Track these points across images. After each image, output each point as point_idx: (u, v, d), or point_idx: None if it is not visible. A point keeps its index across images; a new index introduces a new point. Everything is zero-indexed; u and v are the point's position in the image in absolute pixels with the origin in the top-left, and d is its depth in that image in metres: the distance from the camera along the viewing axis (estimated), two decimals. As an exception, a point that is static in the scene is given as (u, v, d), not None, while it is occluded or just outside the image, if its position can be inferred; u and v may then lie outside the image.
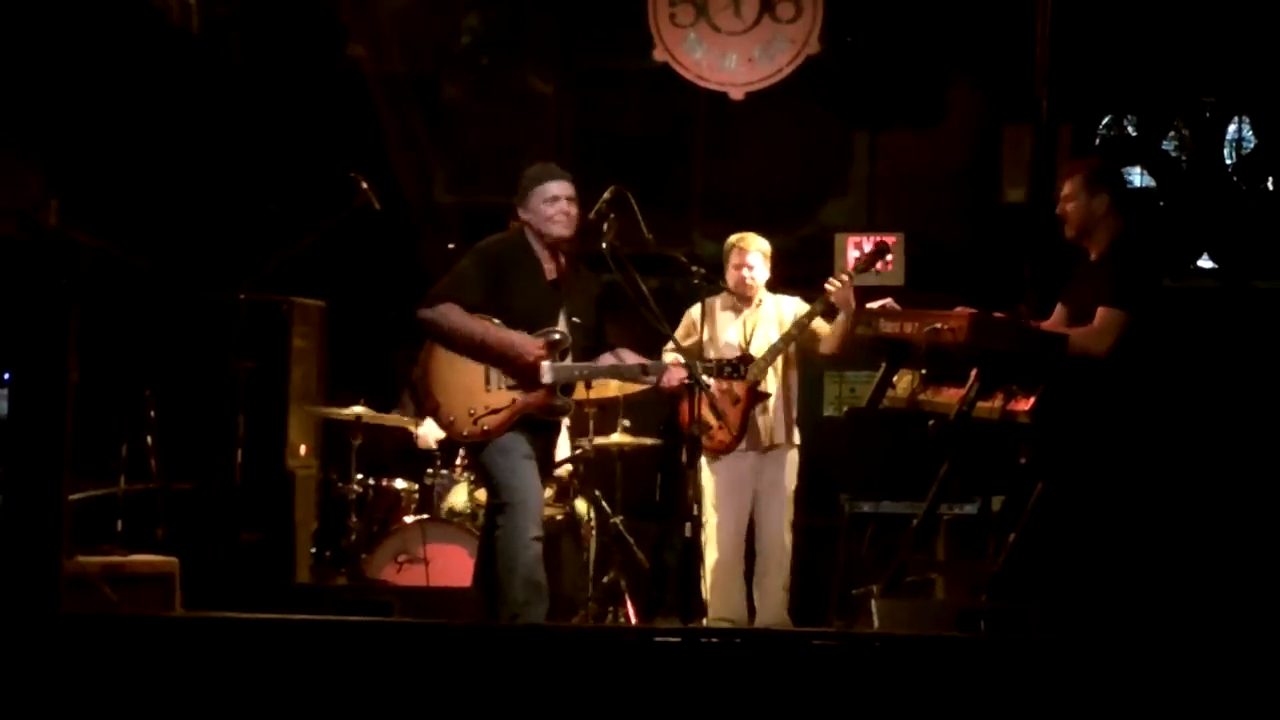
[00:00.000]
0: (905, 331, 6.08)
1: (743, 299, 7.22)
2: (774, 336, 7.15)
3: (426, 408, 6.23)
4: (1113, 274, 5.83)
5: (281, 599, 5.37)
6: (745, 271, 7.17)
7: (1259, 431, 8.11)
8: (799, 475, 7.23)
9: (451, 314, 6.04)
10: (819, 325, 7.09)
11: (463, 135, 9.64)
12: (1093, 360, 5.73)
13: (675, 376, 6.14)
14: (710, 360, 6.35)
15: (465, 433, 6.07)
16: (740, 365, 6.32)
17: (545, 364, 6.05)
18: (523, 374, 6.04)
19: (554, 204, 6.10)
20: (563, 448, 7.53)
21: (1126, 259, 5.87)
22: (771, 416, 7.14)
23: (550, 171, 6.21)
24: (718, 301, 7.20)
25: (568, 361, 6.12)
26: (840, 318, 6.94)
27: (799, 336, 7.10)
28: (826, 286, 6.91)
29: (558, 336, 6.09)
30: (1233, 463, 7.75)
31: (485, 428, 6.02)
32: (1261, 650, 4.37)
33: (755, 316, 7.21)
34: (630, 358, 6.29)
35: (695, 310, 6.91)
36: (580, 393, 6.44)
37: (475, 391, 6.04)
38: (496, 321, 6.05)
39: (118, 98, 8.19)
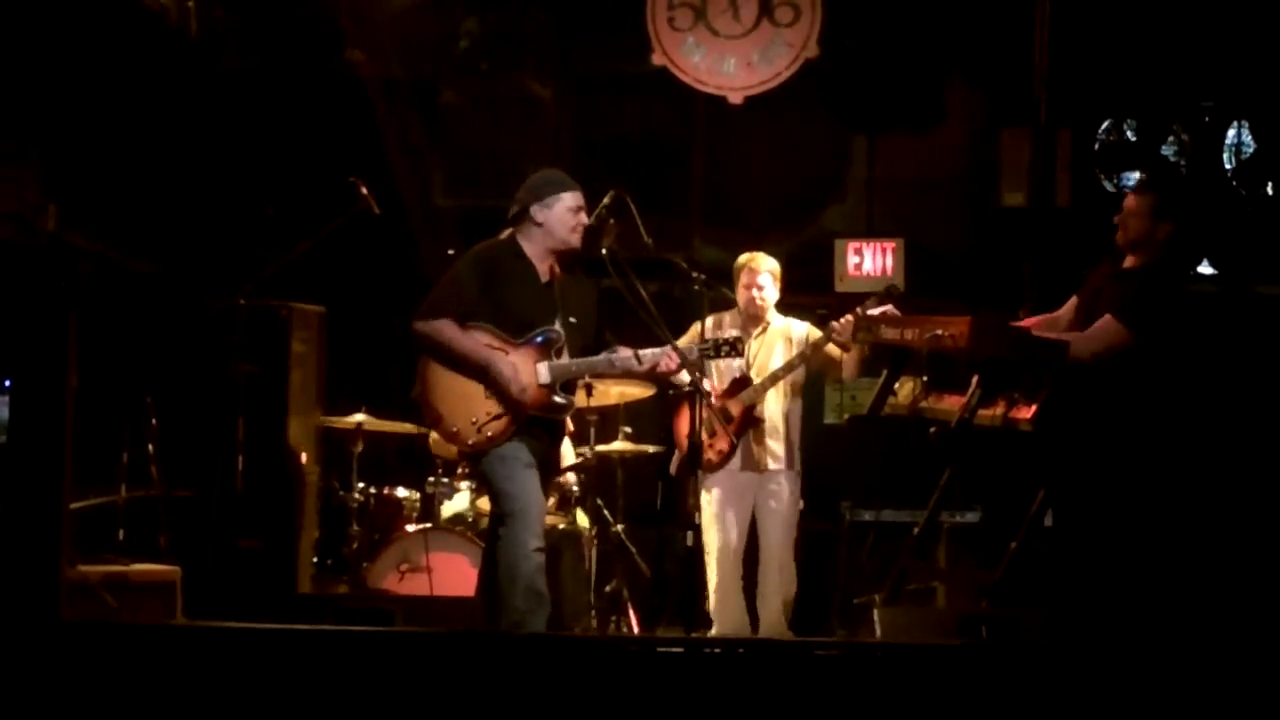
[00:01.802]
0: (906, 338, 6.06)
1: (752, 319, 7.19)
2: (777, 361, 7.14)
3: (428, 420, 6.21)
4: (1134, 292, 5.81)
5: (283, 608, 5.37)
6: (755, 291, 7.14)
7: (1260, 437, 8.10)
8: (800, 498, 7.22)
9: (445, 330, 6.02)
10: (831, 349, 7.05)
11: (461, 139, 9.64)
12: (1089, 367, 5.72)
13: (671, 361, 6.12)
14: (707, 342, 6.32)
15: (470, 442, 6.05)
16: (736, 344, 6.28)
17: (542, 364, 6.05)
18: (509, 403, 6.03)
19: (576, 215, 6.11)
20: (567, 455, 7.53)
21: (1153, 284, 5.85)
22: (769, 441, 7.13)
23: (570, 181, 6.19)
24: (726, 318, 7.19)
25: (564, 359, 6.11)
26: (853, 350, 6.93)
27: (798, 366, 7.09)
28: (832, 325, 6.87)
29: (552, 335, 6.07)
30: (1235, 469, 7.74)
31: (490, 434, 6.00)
32: (1264, 656, 4.36)
33: (762, 339, 7.19)
34: (625, 352, 6.28)
35: (706, 323, 6.92)
36: (581, 400, 6.42)
37: (475, 399, 6.03)
38: (493, 328, 6.04)
39: (115, 102, 8.17)
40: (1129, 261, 5.99)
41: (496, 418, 6.02)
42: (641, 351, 6.14)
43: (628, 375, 6.47)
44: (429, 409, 6.14)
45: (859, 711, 4.29)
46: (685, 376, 6.33)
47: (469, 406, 6.02)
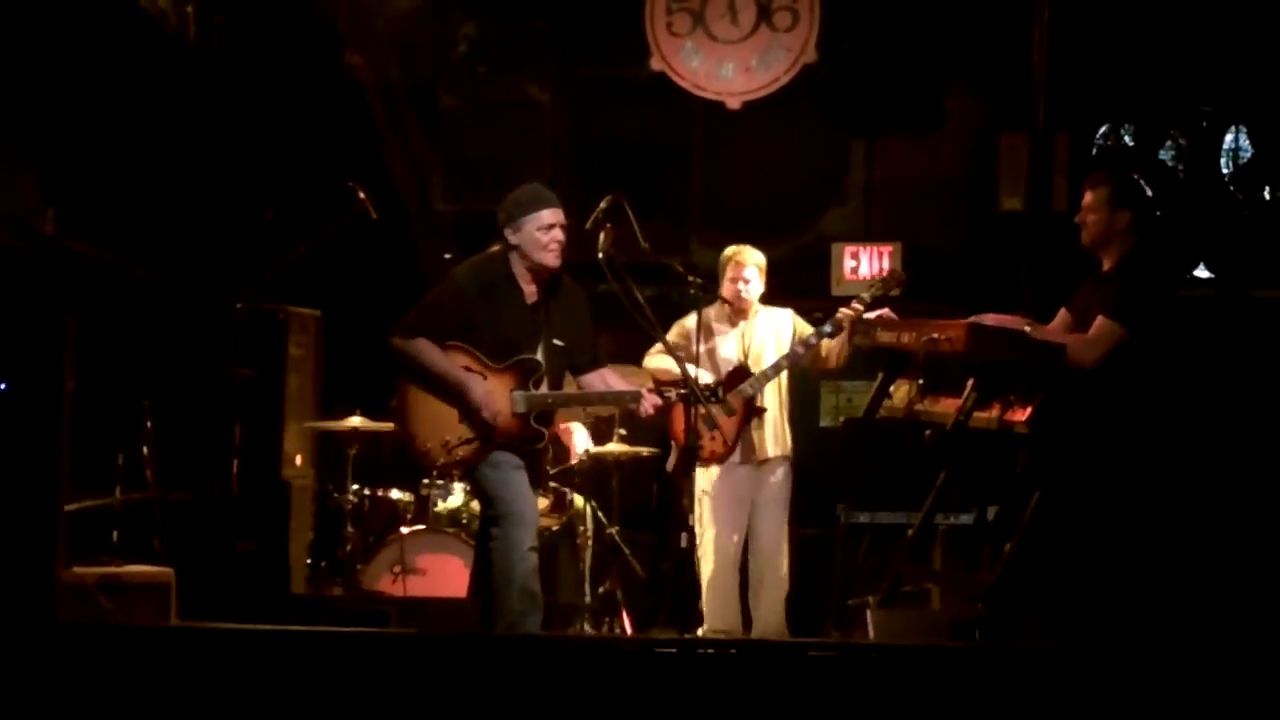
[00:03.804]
0: (902, 341, 6.07)
1: (738, 311, 7.21)
2: (770, 350, 7.13)
3: (402, 436, 6.22)
4: (1118, 288, 5.83)
5: (277, 609, 5.38)
6: (741, 285, 7.16)
7: (1257, 441, 8.10)
8: (792, 486, 7.22)
9: (423, 350, 6.00)
10: (824, 342, 7.06)
11: (460, 144, 9.64)
12: (1087, 370, 5.73)
13: (650, 405, 6.10)
14: (689, 388, 6.21)
15: (440, 463, 6.07)
16: (717, 390, 6.17)
17: (518, 393, 6.03)
18: (481, 427, 6.01)
19: (549, 232, 6.03)
20: (580, 440, 7.55)
21: (1134, 275, 5.86)
22: (767, 431, 7.13)
23: (542, 197, 6.12)
24: (712, 313, 7.18)
25: (543, 389, 6.08)
26: (840, 337, 6.94)
27: (804, 356, 7.06)
28: (840, 313, 6.85)
29: (530, 365, 6.06)
30: (1230, 472, 7.74)
31: (459, 456, 6.01)
32: (1260, 658, 4.36)
33: (751, 329, 7.19)
34: (614, 381, 6.27)
35: (690, 320, 6.89)
36: (578, 410, 6.41)
37: (449, 421, 6.02)
38: (473, 350, 6.03)
39: (114, 106, 8.18)
40: (1105, 266, 5.99)
41: (468, 442, 6.01)
42: (623, 391, 6.17)
43: (605, 410, 6.48)
44: (402, 425, 6.15)
45: (853, 713, 4.29)
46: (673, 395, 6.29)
47: (442, 428, 6.02)
